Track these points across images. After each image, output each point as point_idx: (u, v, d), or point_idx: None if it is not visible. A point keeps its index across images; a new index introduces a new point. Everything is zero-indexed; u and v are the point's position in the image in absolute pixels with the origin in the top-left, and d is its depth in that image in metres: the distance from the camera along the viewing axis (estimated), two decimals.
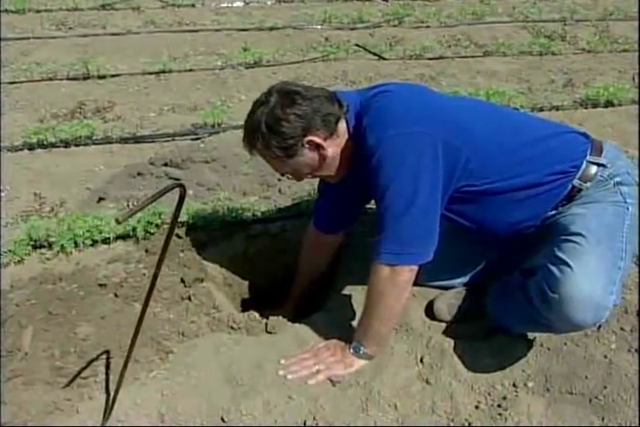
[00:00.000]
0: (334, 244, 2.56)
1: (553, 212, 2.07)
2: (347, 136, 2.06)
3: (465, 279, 2.39)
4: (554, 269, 1.85)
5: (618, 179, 2.04)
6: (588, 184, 2.04)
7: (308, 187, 3.15)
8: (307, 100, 1.98)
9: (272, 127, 1.97)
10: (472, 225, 2.15)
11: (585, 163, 2.04)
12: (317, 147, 2.01)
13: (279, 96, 1.99)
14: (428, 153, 1.89)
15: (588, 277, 1.81)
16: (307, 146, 2.01)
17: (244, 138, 2.08)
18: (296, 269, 2.62)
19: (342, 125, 2.05)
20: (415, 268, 1.95)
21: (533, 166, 2.03)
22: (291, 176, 2.20)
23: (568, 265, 1.82)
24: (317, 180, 3.15)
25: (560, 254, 1.87)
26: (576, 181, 2.03)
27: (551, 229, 2.04)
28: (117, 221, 1.35)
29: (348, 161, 2.09)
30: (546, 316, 1.89)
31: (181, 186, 1.51)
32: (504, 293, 2.19)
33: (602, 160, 2.05)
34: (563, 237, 1.92)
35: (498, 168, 2.02)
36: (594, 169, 2.04)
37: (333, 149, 2.05)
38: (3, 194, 3.22)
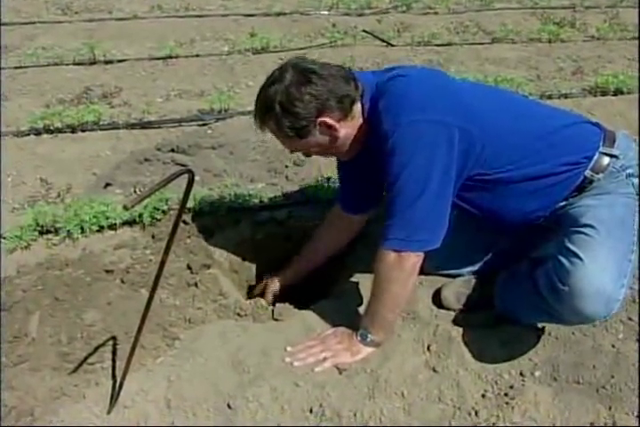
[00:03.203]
0: (356, 226, 2.49)
1: (564, 202, 2.05)
2: (361, 119, 2.03)
3: (473, 268, 2.38)
4: (564, 260, 1.84)
5: (630, 170, 2.02)
6: (600, 175, 2.01)
7: (316, 173, 3.14)
8: (322, 80, 1.94)
9: (286, 107, 1.93)
10: (482, 214, 2.13)
11: (597, 154, 2.01)
12: (330, 128, 1.99)
13: (294, 73, 1.94)
14: (442, 141, 1.86)
15: (598, 270, 1.79)
16: (319, 127, 1.98)
17: (256, 114, 2.03)
18: (308, 244, 2.55)
19: (357, 107, 2.01)
20: (422, 254, 1.93)
21: (546, 157, 2.01)
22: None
23: (579, 257, 1.81)
24: (325, 165, 3.14)
25: (570, 246, 1.85)
26: (588, 172, 2.01)
27: (562, 219, 2.02)
28: (125, 208, 1.34)
29: (359, 143, 2.07)
30: (555, 307, 1.89)
31: (190, 172, 1.50)
32: (512, 282, 2.18)
33: (614, 151, 2.02)
34: (573, 229, 1.91)
35: (511, 157, 2.00)
36: (606, 160, 2.01)
37: (346, 130, 2.02)
38: (9, 179, 3.22)
